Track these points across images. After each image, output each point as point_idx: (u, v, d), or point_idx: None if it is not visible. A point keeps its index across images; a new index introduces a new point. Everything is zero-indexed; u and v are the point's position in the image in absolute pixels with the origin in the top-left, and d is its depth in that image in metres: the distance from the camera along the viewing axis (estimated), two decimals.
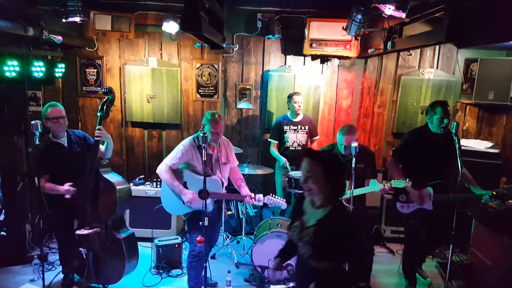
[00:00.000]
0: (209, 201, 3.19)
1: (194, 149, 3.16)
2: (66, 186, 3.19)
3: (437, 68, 4.93)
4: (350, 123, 4.77)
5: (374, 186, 3.38)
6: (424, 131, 3.42)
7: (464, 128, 5.06)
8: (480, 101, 4.63)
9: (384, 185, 3.28)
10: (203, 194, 2.83)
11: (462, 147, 3.06)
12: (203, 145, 2.79)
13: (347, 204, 3.38)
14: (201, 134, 2.85)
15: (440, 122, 3.23)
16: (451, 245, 3.05)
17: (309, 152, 2.09)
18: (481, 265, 3.80)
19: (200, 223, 2.79)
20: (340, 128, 3.47)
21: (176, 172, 3.18)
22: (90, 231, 3.17)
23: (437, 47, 4.87)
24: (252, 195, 3.21)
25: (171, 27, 4.08)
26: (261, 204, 3.25)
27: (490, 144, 4.53)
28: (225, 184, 3.32)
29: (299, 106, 4.46)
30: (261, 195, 3.21)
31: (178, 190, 3.12)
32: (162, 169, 3.14)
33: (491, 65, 4.51)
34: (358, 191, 3.34)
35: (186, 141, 3.20)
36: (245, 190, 3.32)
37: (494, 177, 3.86)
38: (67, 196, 3.19)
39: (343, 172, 2.03)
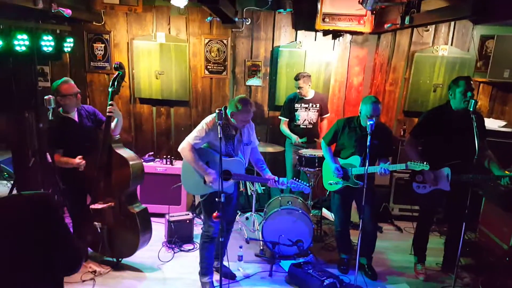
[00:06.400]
0: (231, 182, 3.12)
1: (217, 128, 2.88)
2: (77, 159, 3.20)
3: (451, 45, 4.81)
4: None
5: (375, 167, 3.17)
6: (445, 109, 3.31)
7: (476, 106, 4.98)
8: (495, 79, 4.55)
9: (382, 167, 3.10)
10: (223, 174, 2.73)
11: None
12: (220, 125, 2.69)
13: (357, 181, 3.33)
14: (219, 115, 2.71)
15: (463, 95, 3.09)
16: (463, 224, 3.04)
17: None
18: (490, 242, 3.84)
19: (216, 199, 2.74)
20: (364, 98, 3.26)
21: (199, 151, 3.05)
22: (105, 205, 3.21)
23: (452, 23, 4.73)
24: (276, 178, 3.10)
25: (180, 0, 3.96)
26: (284, 187, 3.13)
27: (503, 123, 4.48)
28: (246, 165, 3.22)
29: (299, 90, 4.36)
30: (284, 179, 3.09)
31: (201, 170, 3.01)
32: (185, 147, 3.01)
33: (508, 42, 4.39)
34: (363, 170, 3.10)
35: (209, 119, 3.04)
36: (267, 173, 3.23)
37: (507, 156, 3.84)
38: (81, 168, 3.20)
39: None
